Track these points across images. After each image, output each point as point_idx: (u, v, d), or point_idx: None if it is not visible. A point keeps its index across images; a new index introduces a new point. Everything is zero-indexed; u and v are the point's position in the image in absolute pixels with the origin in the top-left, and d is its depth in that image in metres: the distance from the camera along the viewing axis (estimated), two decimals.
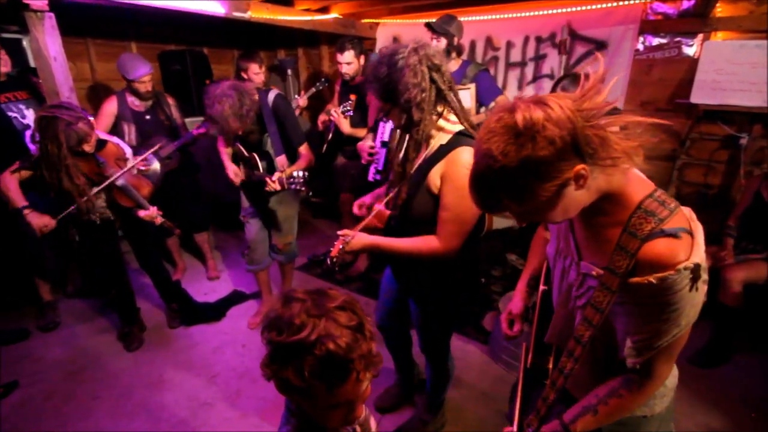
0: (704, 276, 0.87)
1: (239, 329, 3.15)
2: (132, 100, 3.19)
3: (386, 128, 2.92)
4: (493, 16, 3.85)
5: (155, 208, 2.59)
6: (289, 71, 4.98)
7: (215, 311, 3.32)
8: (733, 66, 2.89)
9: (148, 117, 3.25)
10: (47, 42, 2.39)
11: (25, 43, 3.61)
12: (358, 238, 1.59)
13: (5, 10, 2.29)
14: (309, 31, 4.41)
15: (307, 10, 3.95)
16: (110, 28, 4.06)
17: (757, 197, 2.70)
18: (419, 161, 1.56)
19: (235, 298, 3.54)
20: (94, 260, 2.86)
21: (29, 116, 2.92)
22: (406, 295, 1.92)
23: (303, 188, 2.43)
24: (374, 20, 4.55)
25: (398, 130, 1.57)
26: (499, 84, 3.88)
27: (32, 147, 2.33)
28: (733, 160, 3.14)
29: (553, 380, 1.08)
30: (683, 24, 3.14)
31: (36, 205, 2.41)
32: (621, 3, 3.28)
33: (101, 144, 2.52)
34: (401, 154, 1.57)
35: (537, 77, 3.81)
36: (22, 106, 2.94)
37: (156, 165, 3.15)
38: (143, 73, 3.06)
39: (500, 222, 3.17)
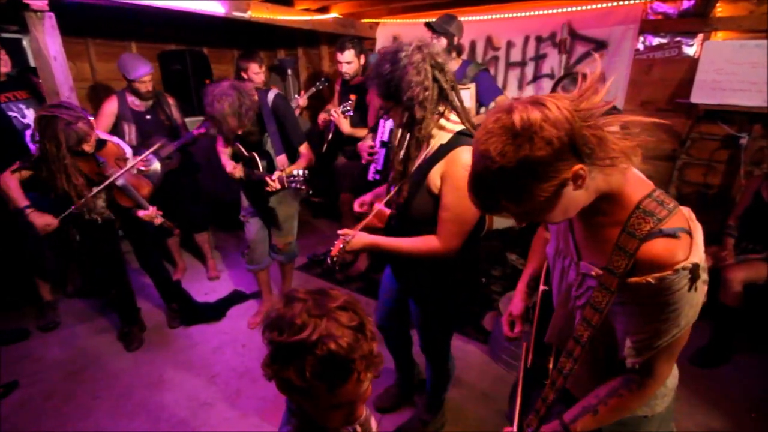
0: (703, 276, 0.87)
1: (239, 329, 3.15)
2: (132, 100, 3.19)
3: (386, 128, 2.92)
4: (493, 16, 3.85)
5: (154, 208, 2.60)
6: (289, 71, 4.99)
7: (215, 311, 3.32)
8: (733, 66, 2.89)
9: (148, 117, 3.25)
10: (47, 42, 2.38)
11: (25, 42, 3.60)
12: (358, 238, 1.59)
13: (5, 9, 2.29)
14: (309, 31, 4.41)
15: (307, 9, 3.95)
16: (110, 28, 4.06)
17: (757, 197, 2.70)
18: (419, 160, 1.56)
19: (235, 298, 3.54)
20: (94, 260, 2.86)
21: (29, 116, 2.92)
22: (406, 295, 1.92)
23: (303, 187, 2.43)
24: (374, 20, 4.54)
25: (398, 129, 1.57)
26: (499, 84, 3.88)
27: (32, 147, 2.33)
28: (733, 159, 3.14)
29: (552, 380, 1.08)
30: (683, 24, 3.14)
31: (37, 205, 2.41)
32: (621, 3, 3.28)
33: (101, 144, 2.52)
34: (402, 153, 1.57)
35: (537, 77, 3.81)
36: (22, 106, 2.94)
37: (156, 165, 3.15)
38: (144, 72, 3.06)
39: (500, 222, 3.17)
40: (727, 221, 2.82)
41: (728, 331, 2.66)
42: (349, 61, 3.40)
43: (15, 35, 3.57)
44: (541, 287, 1.39)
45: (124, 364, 2.82)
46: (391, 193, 1.65)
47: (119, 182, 2.53)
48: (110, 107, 3.14)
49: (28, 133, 2.30)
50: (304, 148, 2.71)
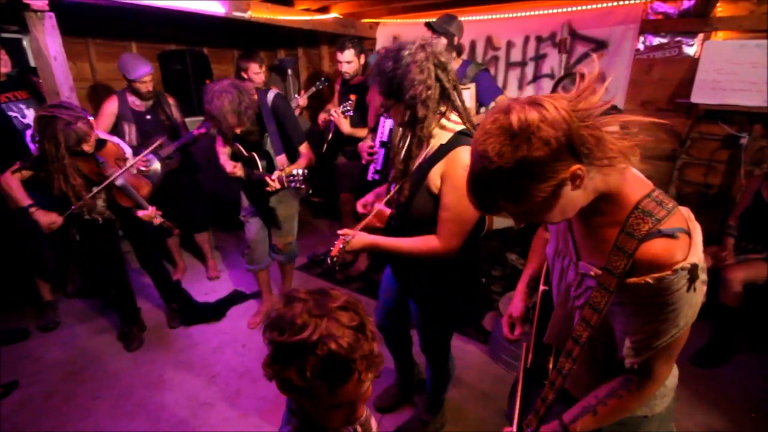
0: (702, 276, 0.87)
1: (239, 329, 3.15)
2: (132, 100, 3.20)
3: (385, 128, 2.92)
4: (493, 16, 3.85)
5: (154, 207, 2.60)
6: (289, 71, 4.99)
7: (215, 311, 3.32)
8: (733, 66, 2.89)
9: (148, 117, 3.25)
10: (47, 42, 2.38)
11: (25, 42, 3.61)
12: (358, 238, 1.59)
13: (5, 9, 2.29)
14: (309, 31, 4.42)
15: (307, 9, 3.95)
16: (110, 28, 4.06)
17: (758, 197, 2.70)
18: (419, 160, 1.56)
19: (235, 298, 3.54)
20: (94, 260, 2.86)
21: (29, 116, 2.92)
22: (406, 295, 1.92)
23: (303, 186, 2.43)
24: (374, 20, 4.54)
25: (399, 128, 1.56)
26: (500, 84, 3.88)
27: (33, 147, 2.33)
28: (733, 159, 3.14)
29: (551, 380, 1.08)
30: (683, 24, 3.14)
31: (38, 204, 2.42)
32: (621, 2, 3.28)
33: (101, 144, 2.52)
34: (403, 152, 1.56)
35: (537, 77, 3.81)
36: (22, 106, 2.94)
37: (156, 165, 3.15)
38: (144, 72, 3.06)
39: (500, 222, 3.17)
40: (727, 221, 2.82)
41: (728, 331, 2.66)
42: (349, 61, 3.40)
43: (15, 35, 3.57)
44: (541, 287, 1.38)
45: (124, 364, 2.82)
46: (392, 193, 1.65)
47: (119, 182, 2.53)
48: (110, 107, 3.14)
49: (29, 133, 2.30)
50: (304, 148, 2.71)
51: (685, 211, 0.91)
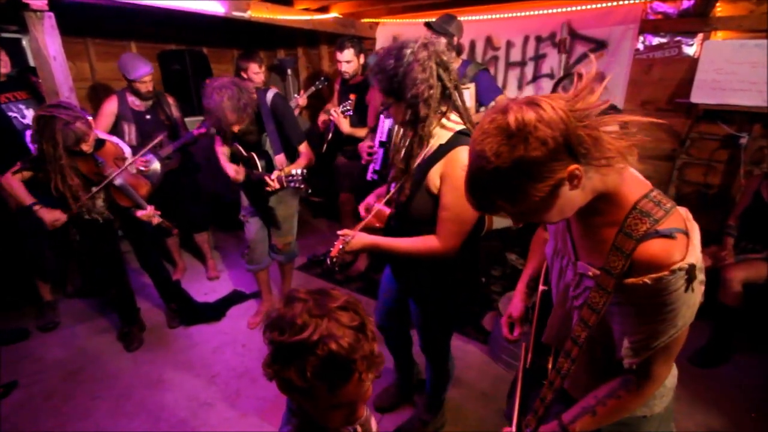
0: (700, 276, 0.87)
1: (239, 329, 3.15)
2: (132, 100, 3.19)
3: (384, 128, 2.92)
4: (493, 16, 3.85)
5: (152, 207, 2.59)
6: (289, 71, 4.99)
7: (215, 311, 3.32)
8: (733, 65, 2.89)
9: (148, 117, 3.25)
10: (47, 41, 2.38)
11: (24, 42, 3.60)
12: (357, 238, 1.59)
13: (5, 9, 2.29)
14: (309, 31, 4.42)
15: (307, 9, 3.95)
16: (110, 28, 4.06)
17: (757, 197, 2.70)
18: (419, 159, 1.56)
19: (235, 298, 3.54)
20: (94, 260, 2.86)
21: (29, 116, 2.92)
22: (406, 295, 1.92)
23: (302, 186, 2.43)
24: (374, 20, 4.54)
25: (400, 127, 1.56)
26: (499, 84, 3.88)
27: (32, 147, 2.33)
28: (733, 159, 3.14)
29: (550, 381, 1.08)
30: (683, 23, 3.14)
31: (40, 203, 2.43)
32: (621, 2, 3.28)
33: (100, 143, 2.52)
34: (403, 151, 1.56)
35: (537, 77, 3.81)
36: (22, 106, 2.94)
37: (156, 165, 3.15)
38: (144, 72, 3.06)
39: (500, 222, 3.16)
40: (726, 221, 2.82)
41: (728, 330, 2.66)
42: (348, 61, 3.40)
43: (14, 35, 3.57)
44: (541, 287, 1.38)
45: (123, 364, 2.82)
46: (391, 192, 1.64)
47: (118, 182, 2.53)
48: (110, 107, 3.14)
49: (29, 133, 2.30)
50: (303, 147, 2.71)
51: (683, 212, 0.91)
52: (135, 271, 3.33)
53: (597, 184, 0.87)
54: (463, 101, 1.53)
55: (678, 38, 3.19)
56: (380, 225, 1.72)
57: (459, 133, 1.49)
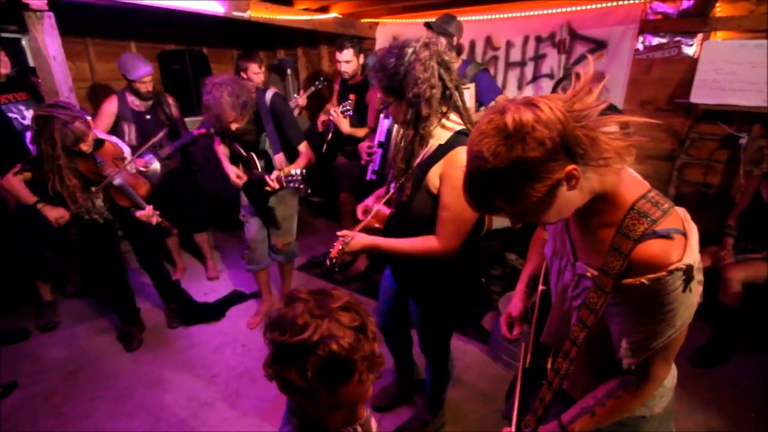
0: (698, 277, 0.87)
1: (239, 329, 3.15)
2: (132, 100, 3.19)
3: (383, 128, 2.92)
4: (493, 16, 3.85)
5: (151, 207, 2.59)
6: (289, 71, 4.99)
7: (215, 311, 3.32)
8: (732, 66, 2.89)
9: (148, 117, 3.25)
10: (46, 41, 2.38)
11: (24, 42, 3.60)
12: (357, 239, 1.59)
13: (4, 9, 2.29)
14: (308, 31, 4.42)
15: (307, 9, 3.95)
16: (110, 28, 4.06)
17: (757, 197, 2.70)
18: (418, 159, 1.55)
19: (235, 298, 3.54)
20: (94, 260, 2.86)
21: (29, 117, 2.91)
22: (406, 295, 1.91)
23: (302, 186, 2.43)
24: (374, 20, 4.54)
25: (400, 126, 1.55)
26: (499, 84, 3.88)
27: (32, 148, 2.33)
28: (732, 159, 3.14)
29: (549, 381, 1.08)
30: (683, 24, 3.14)
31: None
32: (621, 2, 3.28)
33: (99, 143, 2.52)
34: (404, 150, 1.55)
35: (536, 77, 3.81)
36: (22, 107, 2.94)
37: (156, 165, 3.15)
38: (144, 73, 3.06)
39: (500, 222, 3.17)
40: (726, 221, 2.82)
41: (727, 330, 2.66)
42: (348, 61, 3.40)
43: (14, 35, 3.57)
44: (540, 287, 1.39)
45: (123, 364, 2.82)
46: (391, 192, 1.64)
47: (117, 182, 2.52)
48: (110, 107, 3.13)
49: (29, 134, 2.30)
50: (303, 147, 2.71)
51: (681, 212, 0.91)
52: (135, 271, 3.33)
53: (595, 184, 0.87)
54: (463, 101, 1.53)
55: (678, 38, 3.19)
56: (380, 225, 1.72)
57: (458, 133, 1.49)
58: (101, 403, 2.49)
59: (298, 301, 0.84)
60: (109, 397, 2.53)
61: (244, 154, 2.66)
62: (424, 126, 1.47)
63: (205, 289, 3.69)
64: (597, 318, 0.95)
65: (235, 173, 2.69)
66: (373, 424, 1.13)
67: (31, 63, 3.30)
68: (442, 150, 1.48)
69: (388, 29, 4.54)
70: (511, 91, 3.94)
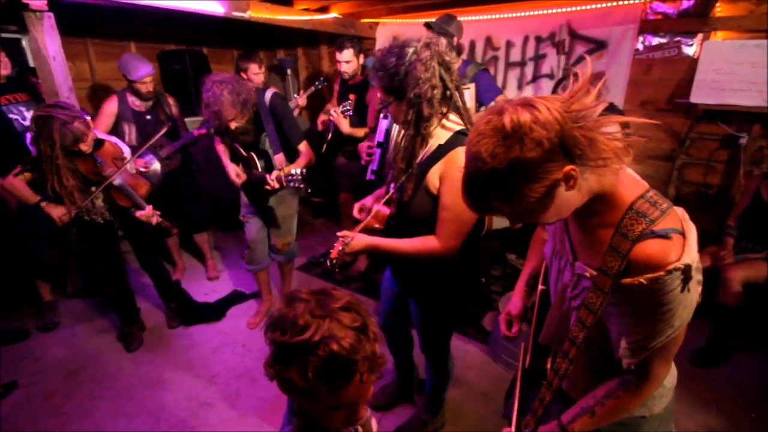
0: (697, 276, 0.87)
1: (239, 329, 3.15)
2: (133, 100, 3.19)
3: (381, 128, 2.92)
4: (493, 16, 3.85)
5: (150, 207, 2.59)
6: (289, 71, 4.99)
7: (215, 311, 3.32)
8: (732, 66, 2.89)
9: (148, 117, 3.25)
10: (46, 42, 2.38)
11: (24, 42, 3.60)
12: (357, 240, 1.59)
13: (4, 9, 2.28)
14: (308, 31, 4.41)
15: (307, 9, 3.95)
16: (109, 28, 4.06)
17: (757, 197, 2.70)
18: (418, 160, 1.55)
19: (235, 298, 3.54)
20: (94, 260, 2.86)
21: (30, 118, 2.91)
22: (406, 295, 1.92)
23: (302, 186, 2.43)
24: (374, 20, 4.54)
25: (400, 126, 1.55)
26: (499, 84, 3.88)
27: (32, 149, 2.33)
28: (732, 159, 3.14)
29: (549, 381, 1.08)
30: (683, 24, 3.14)
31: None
32: (621, 3, 3.28)
33: (98, 143, 2.51)
34: (404, 150, 1.55)
35: (536, 77, 3.81)
36: (22, 108, 2.94)
37: (156, 165, 3.15)
38: (145, 73, 3.06)
39: (500, 222, 3.17)
40: (726, 221, 2.82)
41: (727, 330, 2.66)
42: (347, 61, 3.40)
43: (14, 35, 3.57)
44: (540, 287, 1.39)
45: (123, 364, 2.82)
46: (391, 192, 1.64)
47: (117, 182, 2.53)
48: (110, 107, 3.13)
49: (29, 135, 2.30)
50: (303, 147, 2.71)
51: (679, 212, 0.92)
52: (135, 271, 3.33)
53: (593, 184, 0.88)
54: (463, 102, 1.53)
55: (678, 38, 3.19)
56: (379, 226, 1.72)
57: (458, 133, 1.49)
58: (101, 403, 2.49)
59: (299, 301, 0.84)
60: (109, 397, 2.53)
61: (244, 153, 2.66)
62: (425, 126, 1.46)
63: (205, 289, 3.69)
64: (596, 318, 0.95)
65: (234, 172, 2.69)
66: (374, 424, 1.13)
67: (31, 63, 3.30)
68: (442, 150, 1.48)
69: (388, 29, 4.54)
70: (511, 91, 3.93)
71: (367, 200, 1.90)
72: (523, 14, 3.72)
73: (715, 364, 2.66)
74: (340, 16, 4.18)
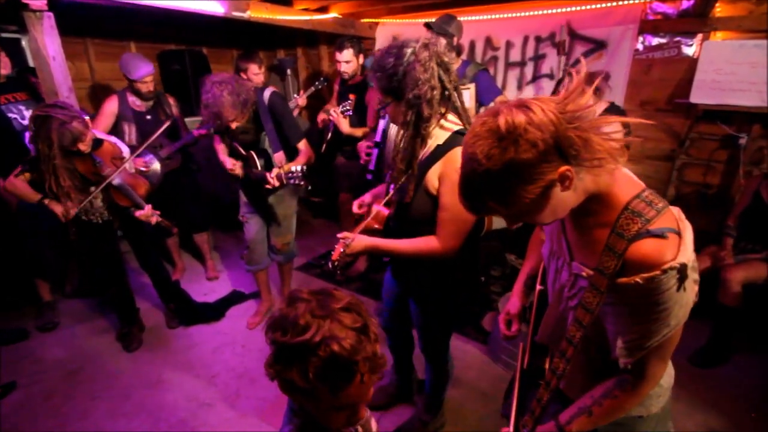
0: (693, 276, 0.87)
1: (238, 329, 3.15)
2: (133, 100, 3.19)
3: (379, 128, 2.91)
4: (493, 16, 3.85)
5: (150, 206, 2.59)
6: (289, 71, 4.99)
7: (214, 311, 3.32)
8: (732, 66, 2.89)
9: (148, 117, 3.24)
10: (46, 42, 2.38)
11: (24, 42, 3.60)
12: (358, 241, 1.59)
13: (4, 9, 2.28)
14: (308, 31, 4.41)
15: (306, 9, 3.95)
16: (109, 28, 4.06)
17: (756, 197, 2.70)
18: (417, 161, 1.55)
19: (235, 298, 3.54)
20: (93, 260, 2.86)
21: (28, 117, 2.92)
22: (406, 295, 1.92)
23: (302, 183, 2.43)
24: (373, 20, 4.54)
25: (400, 127, 1.54)
26: (499, 84, 3.88)
27: (32, 148, 2.33)
28: (732, 160, 3.14)
29: (546, 381, 1.08)
30: (683, 24, 3.14)
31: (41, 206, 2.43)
32: (620, 3, 3.28)
33: (97, 143, 2.51)
34: (404, 151, 1.54)
35: (536, 77, 3.81)
36: (21, 107, 2.94)
37: (156, 165, 3.15)
38: (145, 72, 3.06)
39: (500, 222, 3.17)
40: (726, 221, 2.82)
41: (727, 331, 2.66)
42: (347, 61, 3.40)
43: (14, 35, 3.57)
44: (538, 287, 1.39)
45: (123, 364, 2.81)
46: (391, 194, 1.64)
47: (116, 181, 2.53)
48: (110, 107, 3.13)
49: (28, 134, 2.30)
50: (302, 145, 2.71)
51: (675, 211, 0.92)
52: (134, 271, 3.33)
53: (589, 185, 0.88)
54: (462, 102, 1.53)
55: (677, 38, 3.19)
56: (379, 227, 1.72)
57: (456, 133, 1.49)
58: (101, 404, 2.49)
59: (300, 301, 0.84)
60: (108, 398, 2.53)
61: (243, 152, 2.66)
62: (425, 127, 1.47)
63: (204, 290, 3.68)
64: (593, 318, 0.95)
65: (231, 162, 2.69)
66: (373, 425, 1.13)
67: (31, 63, 3.30)
68: (441, 150, 1.48)
69: (388, 29, 4.54)
70: (510, 92, 3.94)
71: (367, 197, 1.90)
72: (522, 14, 3.72)
73: (714, 365, 2.66)
74: (340, 16, 4.18)
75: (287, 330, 0.80)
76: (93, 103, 4.00)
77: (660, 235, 0.85)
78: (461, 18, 3.01)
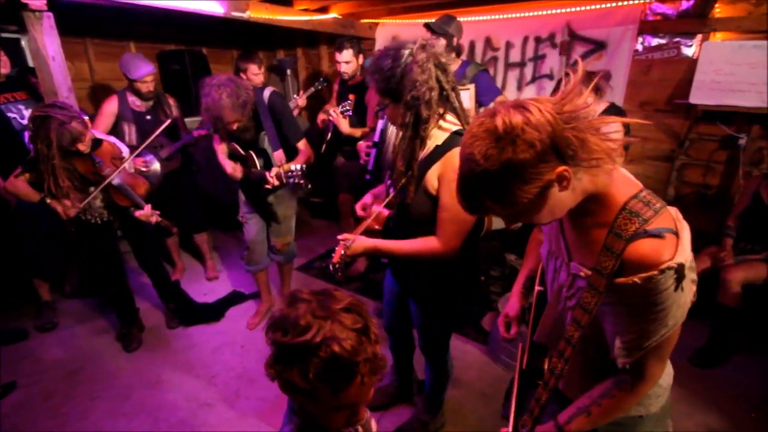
0: (691, 276, 0.87)
1: (238, 330, 3.15)
2: (133, 100, 3.19)
3: (377, 129, 2.91)
4: (493, 17, 3.85)
5: (149, 206, 2.58)
6: (288, 71, 4.99)
7: (214, 312, 3.32)
8: (731, 66, 2.90)
9: (148, 117, 3.24)
10: (45, 42, 2.38)
11: (23, 42, 3.60)
12: (358, 242, 1.60)
13: (4, 9, 2.28)
14: (308, 31, 4.41)
15: (306, 10, 3.95)
16: (109, 28, 4.06)
17: (756, 198, 2.70)
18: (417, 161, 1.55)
19: (234, 298, 3.54)
20: (93, 260, 2.86)
21: (28, 116, 2.92)
22: (407, 295, 1.92)
23: (302, 181, 2.43)
24: (373, 20, 4.54)
25: (399, 128, 1.54)
26: (499, 84, 3.89)
27: (31, 147, 2.33)
28: (731, 160, 3.14)
29: (545, 381, 1.09)
30: (682, 24, 3.14)
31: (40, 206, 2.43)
32: (620, 3, 3.28)
33: (97, 143, 2.51)
34: (404, 152, 1.54)
35: (536, 77, 3.81)
36: (21, 107, 2.94)
37: (156, 165, 3.15)
38: (146, 72, 3.06)
39: (499, 222, 3.16)
40: (725, 222, 2.82)
41: (727, 331, 2.67)
42: (347, 61, 3.40)
43: (13, 35, 3.57)
44: (537, 288, 1.39)
45: (122, 364, 2.81)
46: (391, 195, 1.64)
47: (115, 181, 2.52)
48: (110, 107, 3.13)
49: (28, 134, 2.30)
50: (302, 145, 2.71)
51: (673, 211, 0.92)
52: (134, 271, 3.32)
53: (586, 185, 0.88)
54: (460, 102, 1.53)
55: (677, 39, 3.19)
56: (379, 227, 1.72)
57: (455, 133, 1.49)
58: (100, 404, 2.49)
59: (301, 301, 0.84)
60: (108, 398, 2.53)
61: (243, 152, 2.65)
62: (424, 128, 1.47)
63: (204, 290, 3.68)
64: (591, 318, 0.95)
65: (231, 165, 2.69)
66: (373, 425, 1.13)
67: (31, 63, 3.30)
68: (439, 151, 1.48)
69: (387, 30, 4.54)
70: (510, 92, 3.94)
71: (366, 198, 1.90)
72: (522, 15, 3.72)
73: (714, 365, 2.66)
74: (340, 17, 4.18)
75: (288, 330, 0.80)
76: (93, 103, 4.00)
77: (657, 235, 0.86)
78: (461, 18, 3.01)
